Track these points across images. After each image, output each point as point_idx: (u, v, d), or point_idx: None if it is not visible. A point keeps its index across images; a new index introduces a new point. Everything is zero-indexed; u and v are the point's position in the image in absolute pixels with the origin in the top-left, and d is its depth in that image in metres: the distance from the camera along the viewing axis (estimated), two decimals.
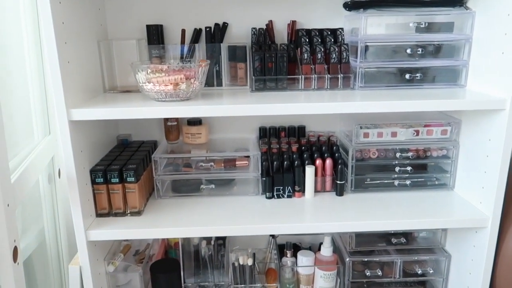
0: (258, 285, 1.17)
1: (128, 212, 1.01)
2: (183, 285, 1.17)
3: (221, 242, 1.23)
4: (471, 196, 1.06)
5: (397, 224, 0.99)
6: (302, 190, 1.12)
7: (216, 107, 0.91)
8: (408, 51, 1.03)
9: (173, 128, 1.18)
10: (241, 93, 1.06)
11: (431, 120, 1.11)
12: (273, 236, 1.30)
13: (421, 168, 1.14)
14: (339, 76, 1.06)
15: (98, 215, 1.01)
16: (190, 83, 0.92)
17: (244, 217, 1.01)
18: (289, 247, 1.27)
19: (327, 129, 1.27)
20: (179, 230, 0.97)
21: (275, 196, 1.11)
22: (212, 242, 1.20)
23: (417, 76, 1.04)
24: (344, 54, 1.06)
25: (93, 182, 0.98)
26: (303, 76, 1.05)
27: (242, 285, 1.17)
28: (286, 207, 1.06)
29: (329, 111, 0.91)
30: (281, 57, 1.05)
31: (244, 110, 0.91)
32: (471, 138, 1.05)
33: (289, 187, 1.11)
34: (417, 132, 1.10)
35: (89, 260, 0.96)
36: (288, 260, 1.26)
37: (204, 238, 1.20)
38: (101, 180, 0.98)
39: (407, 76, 1.04)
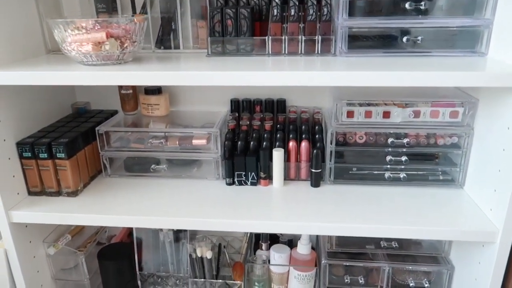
0: (219, 281, 1.02)
1: (64, 192, 0.89)
2: (137, 273, 1.05)
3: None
4: (482, 198, 0.82)
5: (386, 230, 0.78)
6: (269, 178, 0.93)
7: (148, 74, 0.73)
8: (407, 5, 0.78)
9: (128, 97, 1.02)
10: (196, 57, 0.88)
11: (439, 98, 0.86)
12: None
13: (421, 159, 0.90)
14: (317, 38, 0.83)
15: (31, 193, 0.89)
16: (118, 43, 0.75)
17: (197, 207, 0.84)
18: (264, 238, 1.10)
19: (313, 104, 1.05)
20: (114, 219, 0.83)
21: (236, 182, 0.93)
22: (174, 228, 1.06)
23: (418, 40, 0.79)
24: (325, 9, 0.83)
25: (21, 157, 0.86)
26: (270, 37, 0.84)
27: (202, 280, 1.02)
28: (247, 198, 0.88)
29: (292, 82, 0.70)
30: (243, 13, 0.84)
31: (184, 78, 0.72)
32: (488, 124, 0.80)
33: (253, 173, 0.92)
34: (417, 114, 0.86)
35: (15, 243, 0.86)
36: (263, 253, 1.10)
37: None
38: (29, 154, 0.86)
39: (405, 39, 0.80)
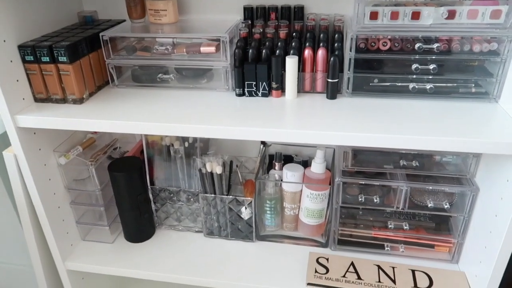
0: (230, 196, 1.00)
1: (70, 99, 0.87)
2: (149, 187, 1.05)
3: (200, 144, 1.06)
4: None
5: (406, 140, 0.70)
6: (282, 88, 0.86)
7: None
8: None
9: (134, 2, 0.95)
10: None
11: None
12: (264, 143, 1.09)
13: (453, 67, 0.80)
14: None
15: (37, 99, 0.87)
16: None
17: (205, 116, 0.79)
18: (278, 158, 1.06)
19: (335, 11, 0.95)
20: (121, 124, 0.80)
21: (246, 93, 0.87)
22: (187, 144, 1.03)
23: None
24: None
25: (24, 61, 0.83)
26: None
27: (212, 195, 1.01)
28: (258, 108, 0.82)
29: None
30: None
31: None
32: None
33: (265, 83, 0.86)
34: (451, 14, 0.75)
35: (23, 149, 0.85)
36: (276, 173, 1.07)
37: (177, 139, 1.03)
38: (32, 58, 0.82)
39: None
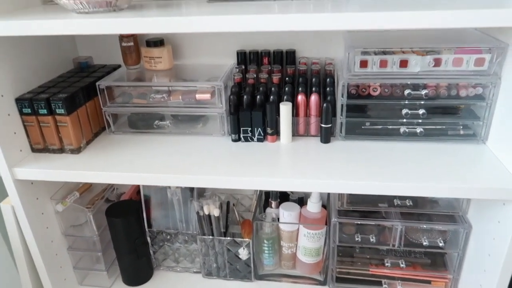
0: (228, 238, 1.01)
1: (67, 149, 0.87)
2: (146, 230, 1.05)
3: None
4: (505, 155, 0.76)
5: (400, 188, 0.72)
6: (277, 133, 0.88)
7: (143, 21, 0.67)
8: None
9: (129, 49, 0.97)
10: (198, 3, 0.81)
11: (463, 44, 0.78)
12: None
13: (441, 111, 0.83)
14: None
15: (34, 150, 0.88)
16: None
17: (203, 164, 0.81)
18: (274, 197, 1.07)
19: (325, 54, 0.98)
20: (119, 176, 0.81)
21: (242, 138, 0.89)
22: (183, 185, 1.04)
23: None
24: None
25: (21, 113, 0.84)
26: None
27: (210, 237, 1.01)
28: (254, 154, 0.84)
29: (300, 26, 0.63)
30: None
31: (185, 24, 0.66)
32: None
33: (260, 129, 0.88)
34: (438, 62, 0.78)
35: (21, 200, 0.85)
36: (272, 211, 1.08)
37: None
38: (29, 110, 0.84)
39: None
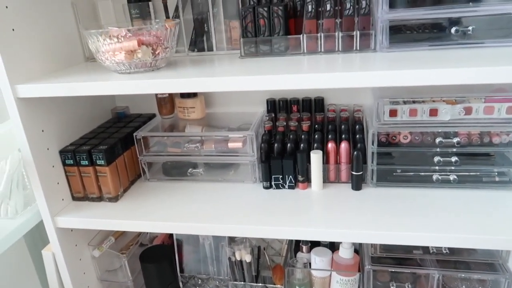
0: (259, 284, 1.01)
1: (106, 197, 0.91)
2: (179, 275, 1.06)
3: None
4: None
5: (434, 239, 0.72)
6: (307, 180, 0.89)
7: (180, 82, 0.71)
8: None
9: (164, 101, 1.02)
10: (230, 59, 0.86)
11: (493, 92, 0.78)
12: None
13: (474, 159, 0.83)
14: (355, 33, 0.78)
15: (74, 198, 0.92)
16: (151, 50, 0.75)
17: (234, 213, 0.83)
18: (305, 241, 1.07)
19: (353, 101, 1.00)
20: (153, 225, 0.83)
21: (273, 186, 0.91)
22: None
23: (469, 30, 0.72)
24: (364, 2, 0.78)
25: (64, 164, 0.89)
26: (305, 35, 0.80)
27: (242, 283, 1.01)
28: (285, 202, 0.85)
29: (329, 84, 0.66)
30: (275, 11, 0.80)
31: (217, 84, 0.70)
32: None
33: (291, 177, 0.89)
34: (468, 110, 0.78)
35: (61, 246, 0.89)
36: (303, 256, 1.07)
37: None
38: (71, 162, 0.88)
39: (454, 30, 0.73)
